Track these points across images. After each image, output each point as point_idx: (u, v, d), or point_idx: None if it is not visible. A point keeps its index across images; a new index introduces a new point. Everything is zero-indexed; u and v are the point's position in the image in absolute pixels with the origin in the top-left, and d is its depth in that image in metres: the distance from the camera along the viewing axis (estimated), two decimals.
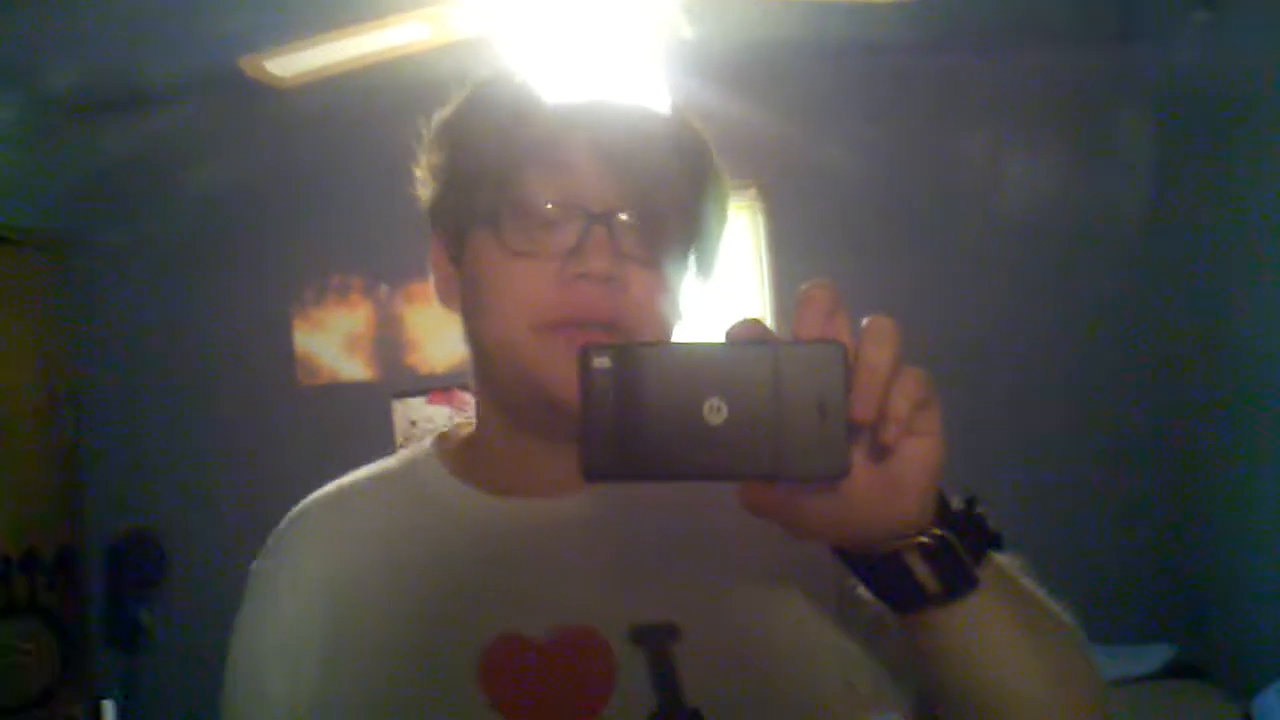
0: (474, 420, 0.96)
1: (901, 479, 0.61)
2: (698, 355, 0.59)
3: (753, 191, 3.62)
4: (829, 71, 3.49)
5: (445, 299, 0.92)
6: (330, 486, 0.95)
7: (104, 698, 3.35)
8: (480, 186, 0.86)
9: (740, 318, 0.60)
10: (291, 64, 2.09)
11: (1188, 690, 3.05)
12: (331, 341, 3.69)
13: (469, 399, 0.96)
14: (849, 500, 0.61)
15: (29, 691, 3.22)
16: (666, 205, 0.85)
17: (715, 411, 0.57)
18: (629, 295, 0.82)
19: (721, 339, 0.59)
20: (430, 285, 0.94)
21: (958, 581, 0.64)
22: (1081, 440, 3.49)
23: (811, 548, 0.68)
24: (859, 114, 3.52)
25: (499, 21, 1.95)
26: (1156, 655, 3.15)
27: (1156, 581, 3.47)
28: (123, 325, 3.62)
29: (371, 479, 0.96)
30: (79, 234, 3.60)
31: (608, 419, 0.57)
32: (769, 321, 0.60)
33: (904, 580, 0.64)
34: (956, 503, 0.66)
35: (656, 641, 0.80)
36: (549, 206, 0.83)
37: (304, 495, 0.96)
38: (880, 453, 0.60)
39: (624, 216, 0.83)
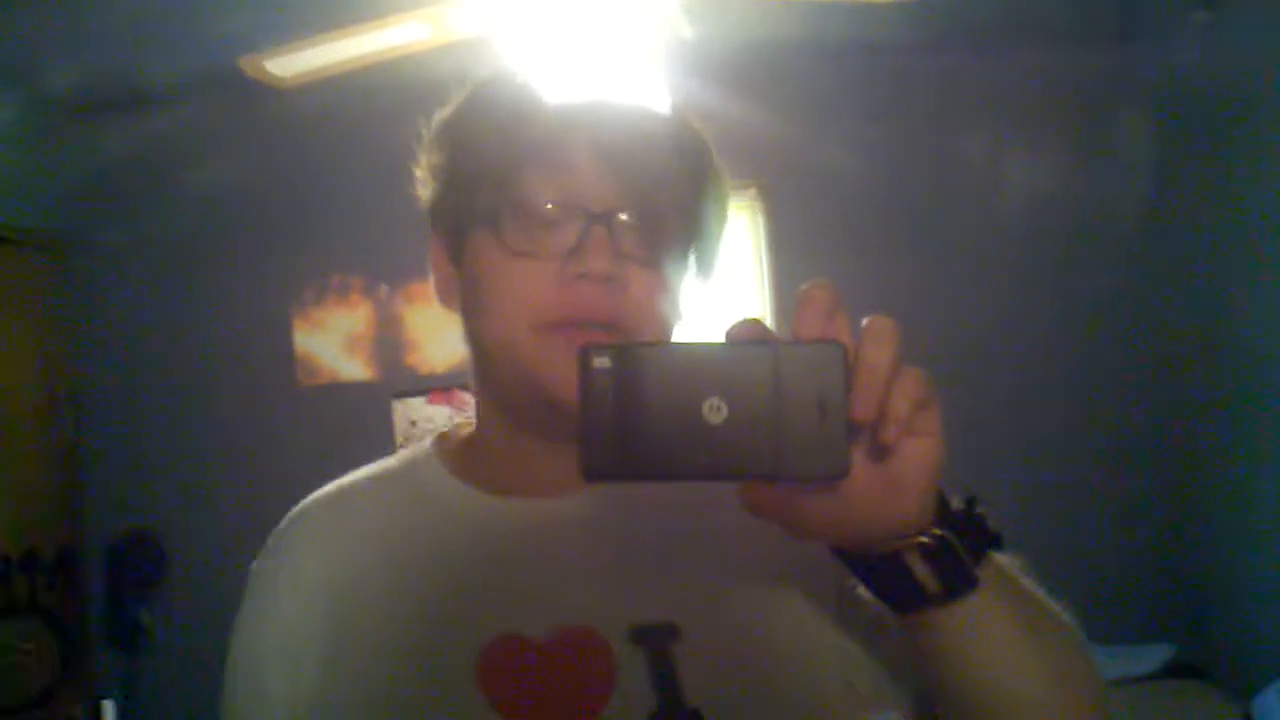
0: (474, 420, 0.96)
1: (901, 479, 0.61)
2: (698, 355, 0.59)
3: (753, 191, 3.62)
4: (829, 71, 3.49)
5: (445, 299, 0.92)
6: (330, 486, 0.95)
7: (104, 698, 3.35)
8: (480, 186, 0.86)
9: (740, 318, 0.60)
10: (291, 64, 2.09)
11: (1188, 690, 3.05)
12: (331, 341, 3.69)
13: (469, 399, 0.96)
14: (849, 500, 0.61)
15: (29, 692, 3.22)
16: (666, 205, 0.85)
17: (715, 411, 0.57)
18: (629, 295, 0.82)
19: (721, 339, 0.59)
20: (430, 285, 0.94)
21: (958, 581, 0.64)
22: (1081, 440, 3.48)
23: (811, 548, 0.68)
24: (859, 114, 3.52)
25: (499, 22, 1.95)
26: (1156, 655, 3.15)
27: (1156, 581, 3.47)
28: (123, 325, 3.62)
29: (371, 479, 0.95)
30: (79, 234, 3.60)
31: (607, 419, 0.57)
32: (769, 321, 0.60)
33: (904, 580, 0.64)
34: (956, 503, 0.66)
35: (656, 641, 0.80)
36: (549, 207, 0.83)
37: (304, 495, 0.96)
38: (880, 452, 0.60)
39: (624, 216, 0.83)
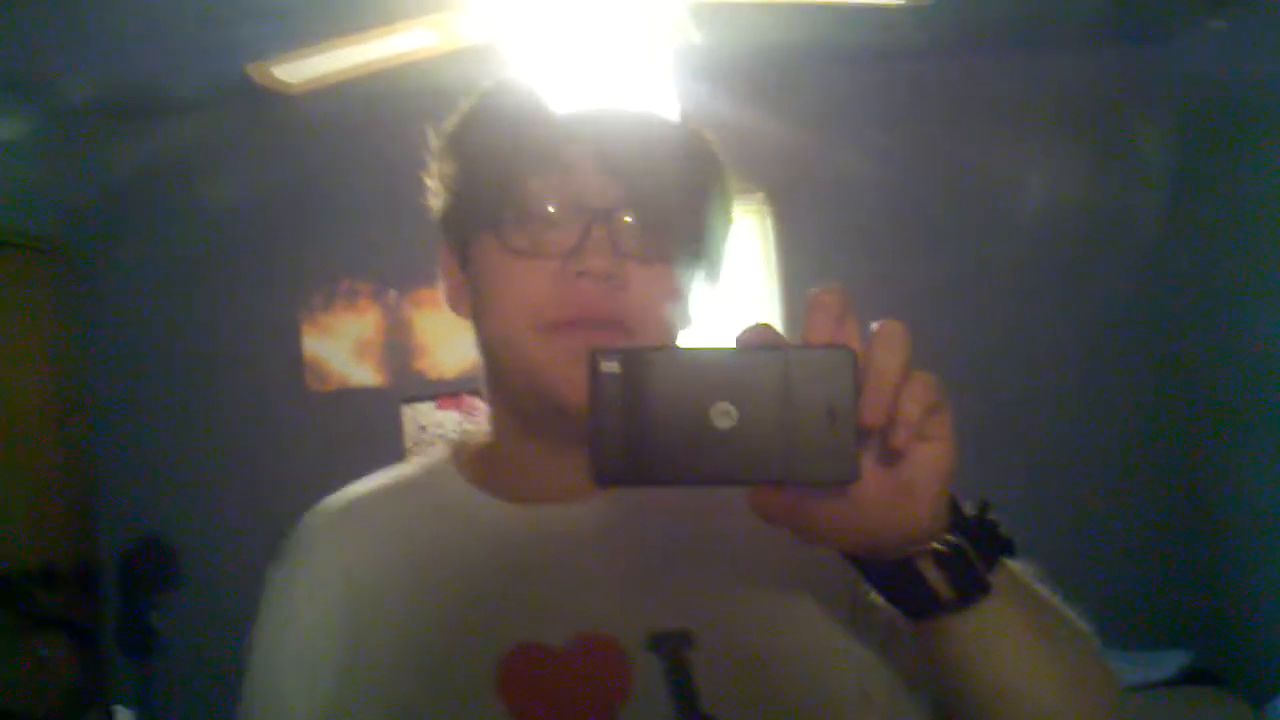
0: (488, 427, 0.96)
1: (913, 484, 0.61)
2: (707, 360, 0.58)
3: (762, 196, 3.62)
4: (840, 76, 3.49)
5: (456, 306, 0.93)
6: (345, 494, 0.95)
7: (120, 705, 3.35)
8: (486, 192, 0.86)
9: (750, 322, 0.60)
10: (299, 70, 2.10)
11: (1204, 696, 3.04)
12: (341, 347, 3.70)
13: (478, 404, 0.96)
14: (860, 506, 0.61)
15: (54, 703, 3.23)
16: (669, 206, 0.85)
17: (725, 416, 0.57)
18: (630, 294, 0.82)
19: (731, 344, 0.59)
20: (439, 290, 0.94)
21: (971, 588, 0.64)
22: (1096, 445, 3.47)
23: (824, 554, 0.67)
24: (869, 118, 3.52)
25: (506, 28, 1.96)
26: (1172, 661, 3.14)
27: (1173, 587, 3.45)
28: (133, 332, 3.62)
29: (387, 487, 0.95)
30: (92, 242, 3.61)
31: (617, 424, 0.57)
32: (778, 327, 0.59)
33: (917, 586, 0.64)
34: (969, 508, 0.66)
35: (673, 649, 0.80)
36: (550, 208, 0.83)
37: (315, 501, 0.96)
38: (891, 458, 0.60)
39: (625, 216, 0.83)
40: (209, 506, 3.50)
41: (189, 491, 3.54)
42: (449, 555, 0.88)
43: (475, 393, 0.94)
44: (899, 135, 3.50)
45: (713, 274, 0.92)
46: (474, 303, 0.90)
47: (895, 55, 3.36)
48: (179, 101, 3.41)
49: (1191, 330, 3.50)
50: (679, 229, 0.86)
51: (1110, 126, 3.53)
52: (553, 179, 0.84)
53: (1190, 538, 3.48)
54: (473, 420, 3.32)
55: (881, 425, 0.58)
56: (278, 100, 2.28)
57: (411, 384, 3.67)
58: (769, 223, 3.65)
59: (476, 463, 0.94)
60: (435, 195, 0.93)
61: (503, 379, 0.90)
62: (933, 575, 0.63)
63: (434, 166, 0.92)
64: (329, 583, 0.89)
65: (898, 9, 2.20)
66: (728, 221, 0.93)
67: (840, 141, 3.47)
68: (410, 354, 3.69)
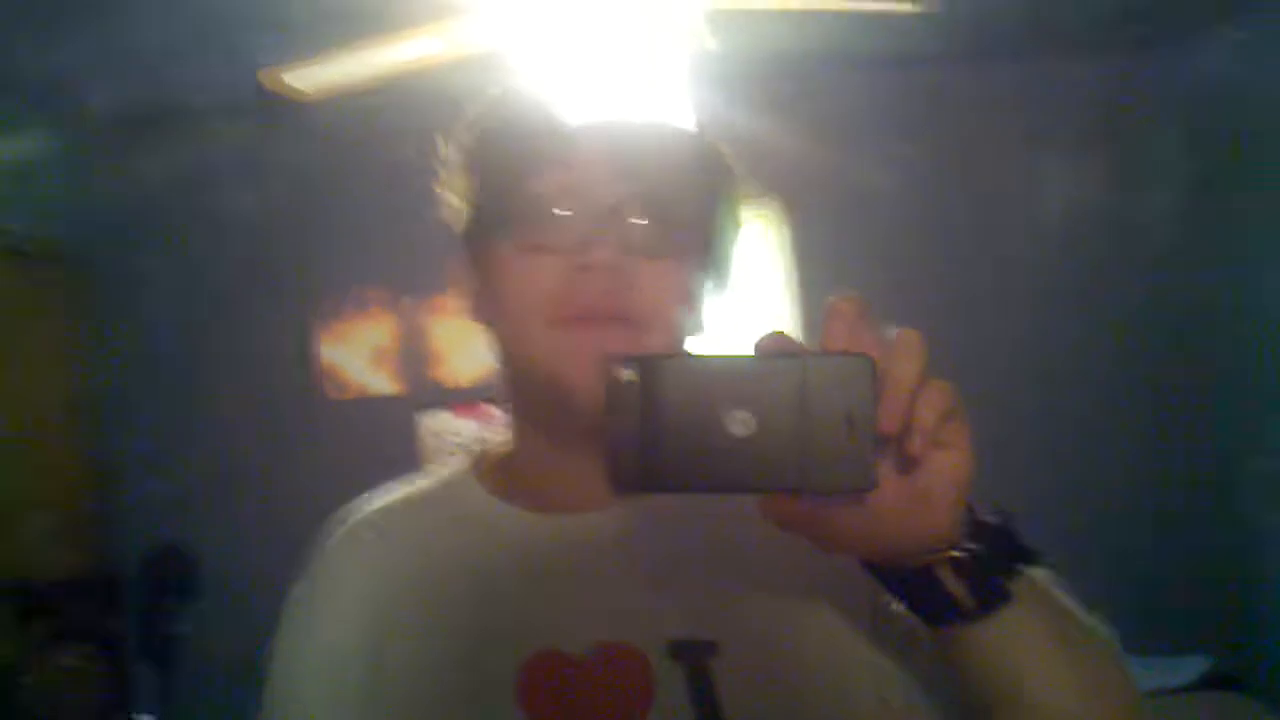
0: (508, 437, 0.96)
1: (930, 492, 0.61)
2: (724, 367, 0.58)
3: (777, 203, 3.62)
4: (854, 83, 3.48)
5: (472, 312, 0.93)
6: (369, 509, 0.96)
7: (142, 713, 3.36)
8: (497, 195, 0.87)
9: (767, 330, 0.60)
10: (312, 78, 2.11)
11: (1225, 702, 3.01)
12: (358, 355, 3.71)
13: (495, 411, 0.96)
14: (877, 514, 0.61)
15: (80, 713, 3.25)
16: (677, 205, 0.86)
17: (742, 424, 0.57)
18: (638, 290, 0.83)
19: (748, 351, 0.59)
20: (453, 299, 0.94)
21: (990, 596, 0.64)
22: (1114, 451, 3.46)
23: (843, 562, 0.68)
24: (884, 125, 3.51)
25: (517, 35, 1.96)
26: (1193, 666, 3.11)
27: (1193, 592, 3.42)
28: (152, 341, 3.64)
29: (409, 501, 0.96)
30: (110, 252, 3.63)
31: (634, 431, 0.57)
32: (795, 334, 0.59)
33: (936, 594, 0.64)
34: (988, 516, 0.66)
35: (695, 657, 0.80)
36: (560, 205, 0.84)
37: (333, 509, 0.96)
38: (907, 465, 0.60)
39: (632, 211, 0.84)
40: (228, 515, 3.51)
41: (208, 501, 3.54)
42: (469, 565, 0.88)
43: (491, 400, 0.94)
44: (914, 142, 3.49)
45: (723, 276, 0.93)
46: (488, 306, 0.90)
47: (910, 62, 3.35)
48: (194, 112, 3.43)
49: (1209, 337, 3.48)
50: (687, 228, 0.87)
51: (1126, 134, 3.52)
52: (562, 178, 0.84)
53: (1210, 543, 3.46)
54: (489, 428, 3.33)
55: (898, 433, 0.58)
56: (291, 109, 2.29)
57: (428, 392, 3.68)
58: (784, 230, 3.65)
59: (496, 473, 0.94)
60: (448, 203, 0.93)
61: (517, 381, 0.90)
62: (952, 583, 0.63)
63: (446, 175, 0.93)
64: (351, 594, 0.89)
65: (911, 16, 2.20)
66: (738, 224, 0.94)
67: (855, 148, 3.46)
68: (426, 362, 3.69)
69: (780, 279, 3.65)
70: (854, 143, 3.48)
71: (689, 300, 0.88)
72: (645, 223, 0.84)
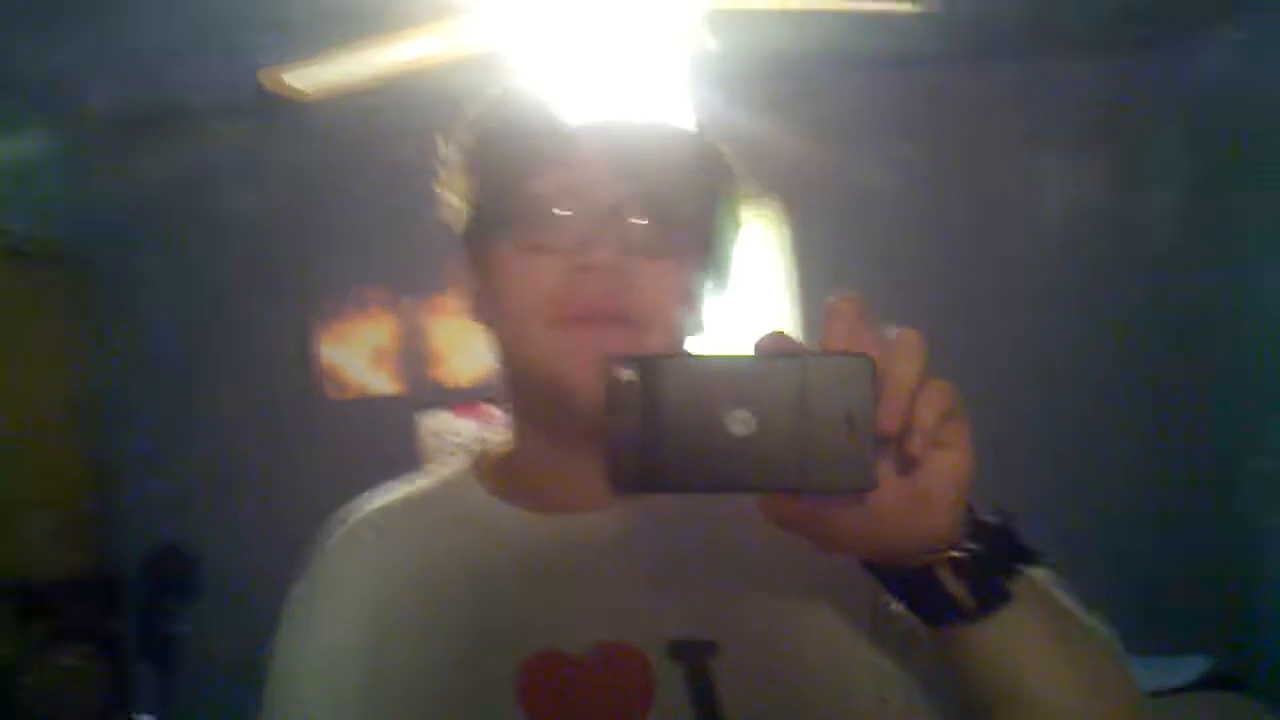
0: (508, 438, 0.96)
1: (930, 492, 0.61)
2: (724, 367, 0.59)
3: (777, 203, 3.62)
4: (854, 83, 3.48)
5: (472, 312, 0.94)
6: (369, 509, 0.96)
7: (142, 713, 3.36)
8: (497, 195, 0.87)
9: (767, 330, 0.60)
10: (311, 78, 2.11)
11: (1226, 702, 3.01)
12: (358, 355, 3.71)
13: (494, 412, 0.97)
14: (877, 514, 0.61)
15: (81, 713, 3.25)
16: (677, 205, 0.86)
17: (742, 424, 0.57)
18: (638, 290, 0.83)
19: (748, 351, 0.59)
20: (453, 299, 0.95)
21: (990, 596, 0.64)
22: (1114, 450, 3.46)
23: (843, 562, 0.68)
24: (885, 125, 3.51)
25: (517, 35, 1.96)
26: (1193, 666, 3.11)
27: (1193, 591, 3.42)
28: (151, 341, 3.64)
29: (409, 501, 0.96)
30: (109, 252, 3.63)
31: (634, 431, 0.57)
32: (795, 335, 0.59)
33: (935, 594, 0.64)
34: (988, 516, 0.66)
35: (694, 657, 0.80)
36: (559, 204, 0.84)
37: (333, 509, 0.96)
38: (907, 465, 0.60)
39: (632, 211, 0.84)
40: (228, 515, 3.51)
41: (208, 500, 3.55)
42: (469, 565, 0.88)
43: (491, 400, 0.94)
44: (914, 142, 3.49)
45: (723, 276, 0.93)
46: (488, 306, 0.90)
47: (910, 62, 3.36)
48: (194, 112, 3.43)
49: (1209, 336, 3.49)
50: (687, 228, 0.87)
51: (1125, 134, 3.52)
52: (562, 178, 0.84)
53: (1210, 542, 3.46)
54: (489, 428, 3.33)
55: (898, 433, 0.58)
56: (291, 109, 2.29)
57: (428, 392, 3.68)
58: (784, 230, 3.65)
59: (496, 473, 0.94)
60: (448, 203, 0.93)
61: (517, 381, 0.90)
62: (951, 583, 0.63)
63: (446, 175, 0.93)
64: (351, 594, 0.89)
65: (911, 16, 2.20)
66: (738, 224, 0.94)
67: (855, 148, 3.46)
68: (426, 362, 3.70)
69: (780, 279, 3.65)
70: (854, 143, 3.48)
71: (689, 300, 0.88)
72: (645, 223, 0.84)
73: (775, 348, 0.59)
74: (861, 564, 0.67)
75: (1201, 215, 3.41)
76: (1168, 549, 3.43)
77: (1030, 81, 3.52)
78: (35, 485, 3.34)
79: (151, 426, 3.63)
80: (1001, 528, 0.66)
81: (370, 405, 3.69)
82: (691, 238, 0.88)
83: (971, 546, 0.63)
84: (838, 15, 2.62)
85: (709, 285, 0.91)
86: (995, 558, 0.64)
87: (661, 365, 0.58)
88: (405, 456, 3.48)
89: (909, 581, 0.65)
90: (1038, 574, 0.68)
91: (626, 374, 0.58)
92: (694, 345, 0.90)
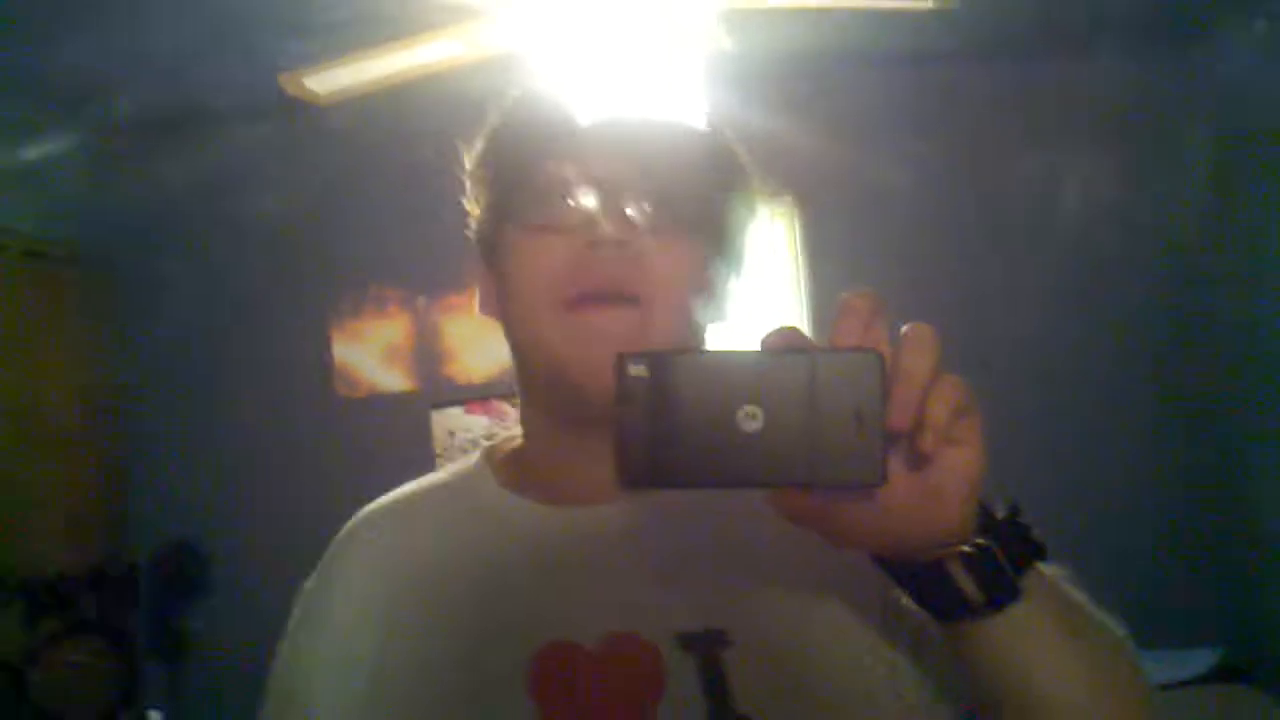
0: (520, 431, 0.97)
1: (941, 488, 0.61)
2: (733, 363, 0.59)
3: (791, 201, 3.62)
4: (870, 81, 3.48)
5: (486, 306, 0.94)
6: (381, 503, 0.97)
7: (152, 709, 3.38)
8: (508, 184, 0.88)
9: (777, 326, 0.60)
10: (330, 81, 2.12)
11: (1235, 695, 3.00)
12: (371, 353, 3.72)
13: (506, 409, 0.97)
14: (888, 509, 0.61)
15: (92, 707, 3.27)
16: (685, 186, 0.86)
17: (751, 419, 0.57)
18: (647, 268, 0.83)
19: (758, 347, 0.59)
20: (467, 296, 0.95)
21: (1000, 591, 0.64)
22: (1127, 443, 3.45)
23: (855, 557, 0.68)
24: (900, 122, 3.51)
25: (533, 37, 1.97)
26: (1203, 659, 3.10)
27: (1203, 584, 3.41)
28: (166, 340, 3.66)
29: (423, 494, 0.97)
30: (125, 252, 3.65)
31: (643, 426, 0.58)
32: (806, 330, 0.60)
33: (946, 589, 0.64)
34: (1000, 511, 0.66)
35: (706, 648, 0.80)
36: (567, 185, 0.85)
37: (346, 506, 0.97)
38: (919, 461, 0.60)
39: (639, 191, 0.84)
40: (240, 513, 3.53)
41: (220, 498, 3.57)
42: (481, 557, 0.89)
43: (504, 397, 0.94)
44: (929, 140, 3.48)
45: (734, 262, 0.93)
46: (499, 296, 0.90)
47: (926, 60, 3.35)
48: (214, 115, 3.45)
49: (1226, 335, 3.47)
50: (696, 208, 0.87)
51: (1146, 130, 3.50)
52: (567, 157, 0.85)
53: (1219, 534, 3.45)
54: (502, 425, 3.34)
55: (909, 428, 0.58)
56: (309, 111, 2.30)
57: (441, 389, 3.69)
58: (799, 227, 3.65)
59: (509, 466, 0.95)
60: (468, 206, 0.94)
61: (527, 370, 0.91)
62: (962, 578, 0.63)
63: (465, 176, 0.94)
64: (364, 590, 0.90)
65: (926, 14, 2.19)
66: (748, 210, 0.94)
67: (870, 146, 3.46)
68: (439, 359, 3.71)
69: (795, 276, 3.65)
70: (869, 140, 3.48)
71: (700, 283, 0.88)
72: (654, 206, 0.84)
73: (784, 343, 0.59)
74: (872, 558, 0.67)
75: (1217, 213, 3.39)
76: (1176, 542, 3.42)
77: (1045, 79, 3.51)
78: (51, 483, 3.36)
79: (166, 425, 3.66)
80: (1012, 523, 0.66)
81: (384, 403, 3.71)
82: (702, 223, 0.88)
83: (982, 542, 0.63)
84: (852, 13, 2.62)
85: (722, 271, 0.91)
86: (1006, 553, 0.64)
87: (672, 360, 0.58)
88: (419, 454, 3.49)
89: (920, 576, 0.65)
90: (1048, 570, 0.68)
91: (636, 369, 0.58)
92: (713, 333, 0.90)
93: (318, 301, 3.70)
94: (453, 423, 3.63)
